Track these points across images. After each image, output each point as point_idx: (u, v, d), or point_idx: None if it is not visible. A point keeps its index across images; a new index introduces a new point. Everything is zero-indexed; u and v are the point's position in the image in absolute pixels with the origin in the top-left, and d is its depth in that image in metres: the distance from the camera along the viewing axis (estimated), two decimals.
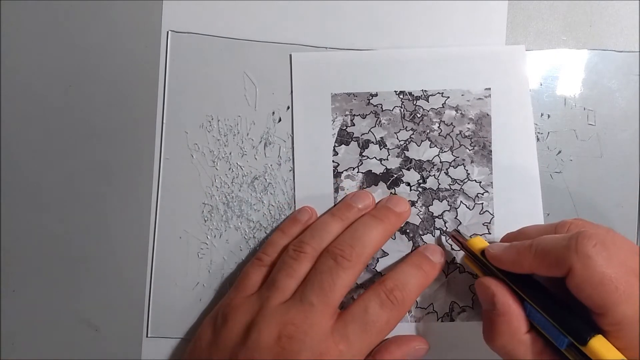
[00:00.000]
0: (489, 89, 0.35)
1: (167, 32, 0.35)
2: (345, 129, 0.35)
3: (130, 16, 0.36)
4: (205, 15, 0.36)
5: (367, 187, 0.35)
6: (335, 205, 0.34)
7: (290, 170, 0.35)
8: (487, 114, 0.35)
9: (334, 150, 0.35)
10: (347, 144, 0.35)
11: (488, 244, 0.31)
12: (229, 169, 0.35)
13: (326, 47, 0.35)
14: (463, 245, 0.32)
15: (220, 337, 0.31)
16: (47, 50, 0.36)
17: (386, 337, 0.33)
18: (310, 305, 0.30)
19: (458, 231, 0.34)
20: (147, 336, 0.35)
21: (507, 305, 0.28)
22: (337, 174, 0.35)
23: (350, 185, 0.35)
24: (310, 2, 0.35)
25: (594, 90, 0.35)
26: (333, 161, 0.35)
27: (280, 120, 0.35)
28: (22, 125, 0.36)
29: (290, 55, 0.35)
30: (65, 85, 0.36)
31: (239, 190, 0.35)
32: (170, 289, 0.35)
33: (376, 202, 0.34)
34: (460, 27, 0.35)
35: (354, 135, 0.35)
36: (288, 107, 0.35)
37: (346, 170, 0.35)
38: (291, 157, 0.35)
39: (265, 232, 0.35)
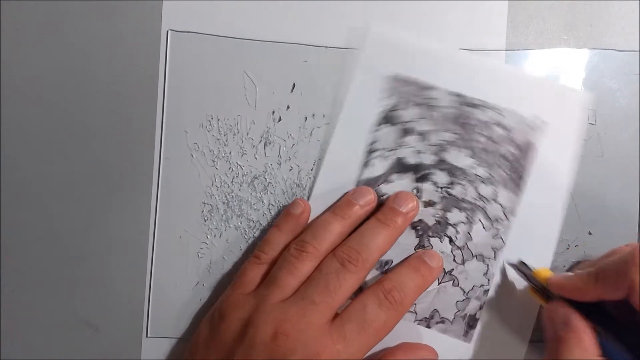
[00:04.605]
0: (545, 122, 0.34)
1: (167, 32, 0.35)
2: (394, 111, 0.34)
3: (130, 16, 0.36)
4: (205, 14, 0.35)
5: (395, 173, 0.34)
6: (336, 203, 0.34)
7: (290, 170, 0.35)
8: (534, 146, 0.34)
9: (376, 127, 0.34)
10: (391, 125, 0.34)
11: (552, 274, 0.30)
12: (229, 169, 0.35)
13: (326, 47, 0.35)
14: (527, 277, 0.32)
15: (218, 334, 0.30)
16: (47, 50, 0.36)
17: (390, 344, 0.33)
18: (312, 304, 0.29)
19: (524, 263, 0.33)
20: (147, 336, 0.35)
21: (582, 325, 0.28)
22: (370, 150, 0.34)
23: (379, 165, 0.34)
24: (310, 2, 0.35)
25: (594, 90, 0.35)
26: (372, 137, 0.34)
27: (280, 119, 0.35)
28: (22, 125, 0.36)
29: (369, 25, 0.35)
30: (65, 85, 0.36)
31: (239, 190, 0.35)
32: (170, 289, 0.35)
33: (376, 198, 0.34)
34: (460, 27, 0.35)
35: (400, 120, 0.34)
36: (288, 107, 0.35)
37: (381, 149, 0.34)
38: (292, 156, 0.35)
39: (265, 232, 0.35)
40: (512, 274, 0.34)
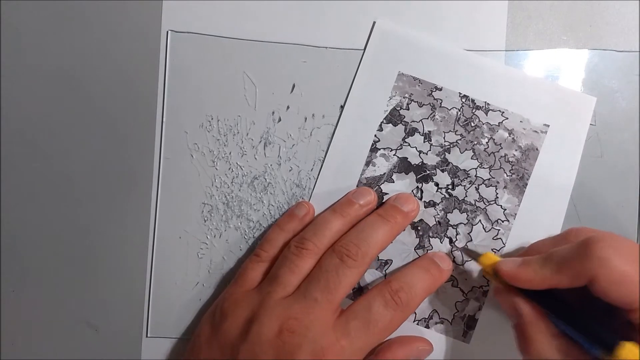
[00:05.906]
0: (548, 125, 0.34)
1: (167, 32, 0.35)
2: (398, 110, 0.35)
3: (130, 16, 0.36)
4: (205, 15, 0.35)
5: (397, 173, 0.34)
6: (336, 202, 0.34)
7: (290, 170, 0.35)
8: (537, 149, 0.34)
9: (380, 126, 0.35)
10: (395, 124, 0.35)
11: (499, 260, 0.30)
12: (229, 169, 0.35)
13: (326, 47, 0.35)
14: (478, 261, 0.32)
15: (220, 332, 0.30)
16: (47, 49, 0.36)
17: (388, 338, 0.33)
18: (314, 301, 0.30)
19: (467, 248, 0.34)
20: (147, 336, 0.35)
21: (534, 313, 0.28)
22: (374, 149, 0.35)
23: (381, 164, 0.34)
24: (310, 2, 0.35)
25: (594, 90, 0.35)
26: (375, 135, 0.35)
27: (280, 120, 0.35)
28: (22, 124, 0.36)
29: (374, 22, 0.35)
30: (65, 84, 0.36)
31: (239, 190, 0.35)
32: (170, 289, 0.35)
33: (379, 200, 0.34)
34: (460, 27, 0.35)
35: (404, 119, 0.35)
36: (288, 107, 0.35)
37: (384, 148, 0.35)
38: (292, 157, 0.35)
39: (265, 232, 0.35)
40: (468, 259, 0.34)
